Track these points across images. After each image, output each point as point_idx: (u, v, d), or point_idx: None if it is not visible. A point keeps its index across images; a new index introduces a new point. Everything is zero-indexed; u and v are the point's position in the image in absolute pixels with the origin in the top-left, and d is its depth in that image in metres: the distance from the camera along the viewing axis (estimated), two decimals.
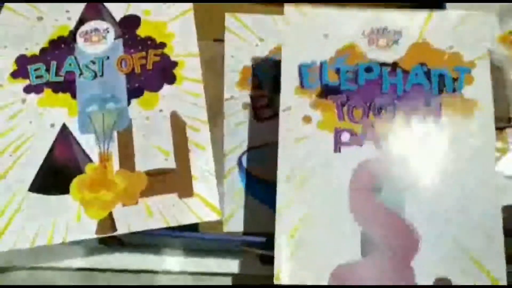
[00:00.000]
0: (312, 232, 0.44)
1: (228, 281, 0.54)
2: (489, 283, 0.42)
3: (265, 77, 0.57)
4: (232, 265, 0.53)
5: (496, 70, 0.59)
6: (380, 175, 0.45)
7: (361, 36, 0.48)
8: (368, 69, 0.47)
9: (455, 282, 0.43)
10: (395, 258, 0.43)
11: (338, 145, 0.46)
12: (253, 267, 0.53)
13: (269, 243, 0.49)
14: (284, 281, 0.43)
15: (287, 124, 0.46)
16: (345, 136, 0.46)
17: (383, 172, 0.45)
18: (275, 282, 0.43)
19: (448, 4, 0.54)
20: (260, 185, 0.53)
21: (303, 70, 0.47)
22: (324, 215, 0.44)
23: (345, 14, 0.49)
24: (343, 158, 0.45)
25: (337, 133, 0.46)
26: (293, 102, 0.47)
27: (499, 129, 0.56)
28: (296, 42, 0.48)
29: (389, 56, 0.47)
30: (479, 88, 0.47)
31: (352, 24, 0.48)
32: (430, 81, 0.47)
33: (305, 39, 0.48)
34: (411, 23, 0.48)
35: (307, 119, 0.46)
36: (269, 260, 0.51)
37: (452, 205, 0.44)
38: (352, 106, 0.46)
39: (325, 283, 0.43)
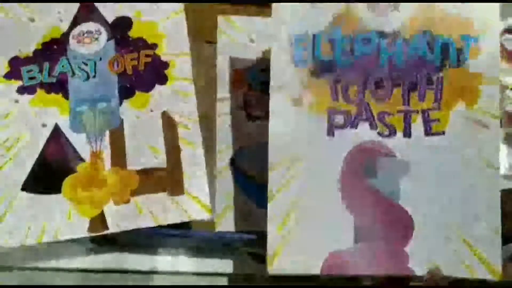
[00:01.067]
0: (304, 220, 0.43)
1: (224, 281, 0.54)
2: (484, 269, 0.42)
3: (256, 78, 0.57)
4: (227, 265, 0.53)
5: None
6: (374, 159, 0.43)
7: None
8: (365, 40, 0.44)
9: (448, 269, 0.42)
10: (389, 244, 0.42)
11: (331, 129, 0.44)
12: (248, 267, 0.53)
13: (260, 241, 0.49)
14: (276, 270, 0.42)
15: (276, 107, 0.44)
16: (339, 118, 0.44)
17: (378, 156, 0.43)
18: (268, 271, 0.42)
19: None
20: (252, 184, 0.53)
21: (295, 43, 0.44)
22: (315, 202, 0.43)
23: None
24: (336, 142, 0.43)
25: (330, 116, 0.44)
26: (284, 81, 0.44)
27: None
28: (286, 11, 0.44)
29: (388, 25, 0.44)
30: (486, 61, 0.43)
31: None
32: (433, 52, 0.43)
33: (296, 7, 0.44)
34: None
35: (298, 101, 0.44)
36: (259, 258, 0.51)
37: (450, 193, 0.43)
38: (348, 83, 0.44)
39: (317, 271, 0.42)
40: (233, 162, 0.54)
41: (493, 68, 0.43)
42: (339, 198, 0.43)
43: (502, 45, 0.60)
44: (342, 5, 0.44)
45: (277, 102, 0.44)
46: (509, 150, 0.56)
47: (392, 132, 0.44)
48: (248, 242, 0.50)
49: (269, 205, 0.43)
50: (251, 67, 0.58)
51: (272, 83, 0.44)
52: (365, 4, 0.44)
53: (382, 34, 0.44)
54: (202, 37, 0.58)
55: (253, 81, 0.57)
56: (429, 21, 0.44)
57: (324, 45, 0.44)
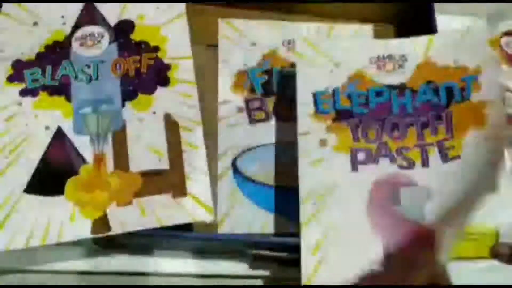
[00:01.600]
0: (335, 248, 0.45)
1: (225, 282, 0.54)
2: None
3: (258, 81, 0.58)
4: (228, 266, 0.54)
5: None
6: (397, 189, 0.46)
7: (369, 63, 0.51)
8: (378, 93, 0.50)
9: None
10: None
11: (355, 164, 0.48)
12: (249, 268, 0.54)
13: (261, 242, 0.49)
14: None
15: (305, 148, 0.48)
16: (361, 155, 0.48)
17: (399, 186, 0.46)
18: None
19: (436, 5, 0.55)
20: (254, 186, 0.53)
21: (317, 97, 0.50)
22: (345, 231, 0.46)
23: (354, 43, 0.53)
24: (361, 176, 0.47)
25: (353, 153, 0.48)
26: (309, 127, 0.49)
27: None
28: (309, 71, 0.51)
29: (396, 79, 0.50)
30: (488, 91, 0.48)
31: (361, 53, 0.52)
32: (439, 95, 0.49)
33: (318, 69, 0.51)
34: (415, 47, 0.51)
35: (323, 143, 0.48)
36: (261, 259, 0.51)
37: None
38: (366, 128, 0.49)
39: None
40: (234, 164, 0.54)
41: (496, 94, 0.48)
42: (367, 225, 0.45)
43: (502, 48, 0.61)
44: (355, 68, 0.51)
45: (305, 144, 0.48)
46: (510, 151, 0.56)
47: (411, 164, 0.47)
48: (249, 244, 0.50)
49: (301, 237, 0.46)
50: (253, 70, 0.58)
51: (299, 129, 0.49)
52: (375, 65, 0.51)
53: (392, 87, 0.50)
54: (203, 41, 0.59)
55: (255, 84, 0.58)
56: (431, 74, 0.50)
57: (342, 98, 0.50)
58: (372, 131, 0.49)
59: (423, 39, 0.51)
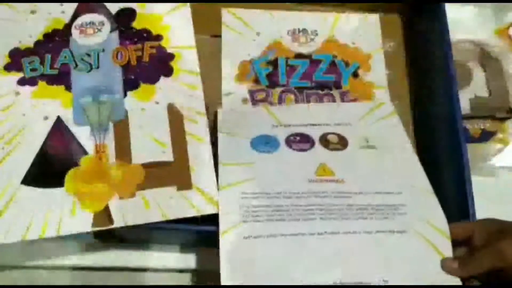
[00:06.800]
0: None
1: None
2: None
3: (262, 71, 0.56)
4: None
5: (494, 62, 0.59)
6: None
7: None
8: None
9: None
10: None
11: None
12: None
13: None
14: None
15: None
16: None
17: None
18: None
19: None
20: None
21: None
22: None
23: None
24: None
25: None
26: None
27: (500, 119, 0.56)
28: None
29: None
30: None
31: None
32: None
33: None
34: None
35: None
36: None
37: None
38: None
39: None
40: None
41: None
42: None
43: (510, 37, 0.60)
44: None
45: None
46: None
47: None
48: None
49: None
50: (257, 61, 0.57)
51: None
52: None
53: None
54: (207, 31, 0.57)
55: (258, 74, 0.56)
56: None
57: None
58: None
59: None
